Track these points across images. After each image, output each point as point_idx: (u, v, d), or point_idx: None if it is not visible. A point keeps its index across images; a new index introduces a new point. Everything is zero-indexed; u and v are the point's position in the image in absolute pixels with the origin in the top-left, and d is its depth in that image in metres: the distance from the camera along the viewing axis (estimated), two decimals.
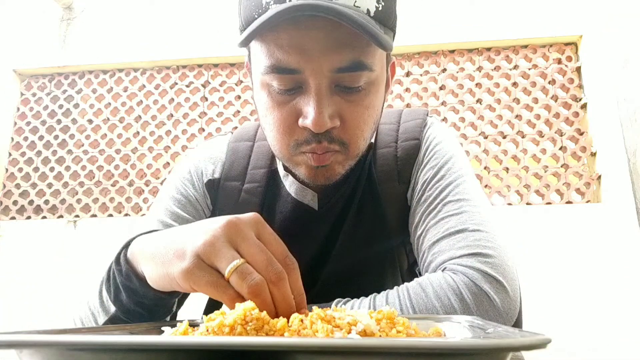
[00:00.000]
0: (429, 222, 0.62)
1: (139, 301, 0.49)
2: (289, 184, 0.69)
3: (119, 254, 0.50)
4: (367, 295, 0.58)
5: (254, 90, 0.62)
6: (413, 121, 0.71)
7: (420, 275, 0.65)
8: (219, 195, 0.70)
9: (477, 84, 2.26)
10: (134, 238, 0.51)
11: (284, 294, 0.38)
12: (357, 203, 0.68)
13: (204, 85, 2.43)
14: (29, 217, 2.35)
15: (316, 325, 0.32)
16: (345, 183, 0.67)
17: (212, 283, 0.38)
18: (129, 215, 2.28)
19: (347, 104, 0.56)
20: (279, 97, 0.56)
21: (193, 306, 0.71)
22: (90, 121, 2.45)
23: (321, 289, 0.67)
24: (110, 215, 2.30)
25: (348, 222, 0.68)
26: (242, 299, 0.37)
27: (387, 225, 0.68)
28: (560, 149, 2.13)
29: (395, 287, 0.57)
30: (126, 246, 0.50)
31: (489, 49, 2.29)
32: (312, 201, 0.68)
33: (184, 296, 0.63)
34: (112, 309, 0.51)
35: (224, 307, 0.38)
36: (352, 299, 0.58)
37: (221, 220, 0.40)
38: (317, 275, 0.68)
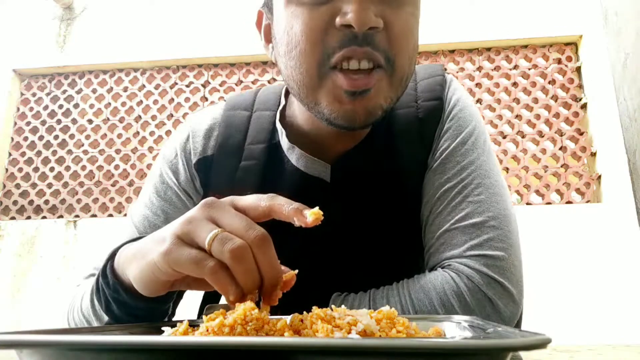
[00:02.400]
0: (443, 202, 0.58)
1: (131, 313, 0.47)
2: (296, 158, 0.61)
3: (105, 266, 0.47)
4: (385, 279, 0.56)
5: (276, 20, 0.55)
6: (432, 78, 0.64)
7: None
8: (212, 174, 0.63)
9: (477, 84, 2.26)
10: (119, 247, 0.48)
11: (269, 258, 0.36)
12: (375, 174, 0.60)
13: (204, 85, 2.43)
14: (29, 217, 2.35)
15: (316, 325, 0.32)
16: (359, 150, 0.61)
17: (193, 257, 0.36)
18: None
19: (391, 8, 0.50)
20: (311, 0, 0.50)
21: (193, 306, 0.70)
22: (90, 121, 2.45)
23: (339, 272, 0.60)
24: (110, 215, 2.30)
25: (365, 196, 0.60)
26: (226, 269, 0.36)
27: (411, 200, 0.60)
28: (560, 149, 2.13)
29: (396, 287, 0.56)
30: (111, 257, 0.48)
31: (489, 49, 2.29)
32: (323, 173, 0.60)
33: (178, 296, 0.61)
34: (106, 317, 0.50)
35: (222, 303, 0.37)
36: (350, 293, 0.56)
37: (198, 204, 0.40)
38: (333, 259, 0.61)
